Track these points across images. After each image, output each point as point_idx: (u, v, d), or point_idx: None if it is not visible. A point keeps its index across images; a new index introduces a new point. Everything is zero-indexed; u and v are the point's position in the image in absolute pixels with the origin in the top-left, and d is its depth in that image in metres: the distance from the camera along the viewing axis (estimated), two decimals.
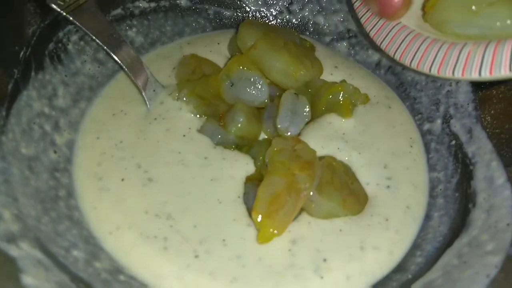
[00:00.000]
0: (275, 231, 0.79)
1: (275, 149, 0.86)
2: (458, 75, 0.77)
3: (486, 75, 0.73)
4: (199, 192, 0.87)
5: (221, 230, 0.83)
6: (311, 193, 0.83)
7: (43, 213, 0.79)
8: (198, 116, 0.97)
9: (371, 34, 0.96)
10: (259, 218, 0.79)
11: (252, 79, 0.96)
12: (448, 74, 0.79)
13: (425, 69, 0.83)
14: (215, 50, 1.12)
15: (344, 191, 0.86)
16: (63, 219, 0.82)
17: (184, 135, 0.95)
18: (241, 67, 0.96)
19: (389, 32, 0.92)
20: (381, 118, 1.02)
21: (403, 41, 0.89)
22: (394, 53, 0.90)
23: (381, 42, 0.94)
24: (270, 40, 0.96)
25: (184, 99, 0.97)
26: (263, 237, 0.79)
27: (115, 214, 0.85)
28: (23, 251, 0.67)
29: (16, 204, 0.75)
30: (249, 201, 0.85)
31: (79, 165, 0.92)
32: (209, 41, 1.14)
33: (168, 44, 1.16)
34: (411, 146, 0.99)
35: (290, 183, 0.81)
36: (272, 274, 0.79)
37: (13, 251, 0.66)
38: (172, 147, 0.93)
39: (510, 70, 0.70)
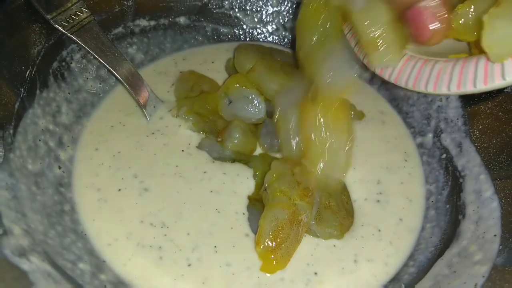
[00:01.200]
0: (279, 264, 0.80)
1: (274, 175, 0.86)
2: (430, 89, 0.78)
3: (454, 90, 0.74)
4: (195, 201, 0.88)
5: (214, 237, 0.84)
6: (312, 221, 0.84)
7: (50, 227, 0.80)
8: (196, 132, 0.98)
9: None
10: (263, 252, 0.79)
11: (249, 97, 0.97)
12: (421, 88, 0.80)
13: (403, 84, 0.83)
14: (211, 67, 1.13)
15: (340, 213, 0.86)
16: (68, 233, 0.83)
17: (182, 150, 0.96)
18: (239, 86, 0.97)
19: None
20: (375, 134, 1.03)
21: None
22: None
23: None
24: (267, 63, 0.97)
25: (183, 116, 0.99)
26: (266, 269, 0.81)
27: (112, 225, 0.85)
28: (33, 265, 0.68)
29: (25, 220, 0.76)
30: (252, 221, 0.86)
31: (79, 177, 0.92)
32: (204, 58, 1.15)
33: (164, 59, 1.17)
34: (406, 160, 1.00)
35: (292, 215, 0.81)
36: (261, 286, 0.80)
37: (24, 265, 0.67)
38: (169, 160, 0.94)
39: (461, 88, 0.72)
